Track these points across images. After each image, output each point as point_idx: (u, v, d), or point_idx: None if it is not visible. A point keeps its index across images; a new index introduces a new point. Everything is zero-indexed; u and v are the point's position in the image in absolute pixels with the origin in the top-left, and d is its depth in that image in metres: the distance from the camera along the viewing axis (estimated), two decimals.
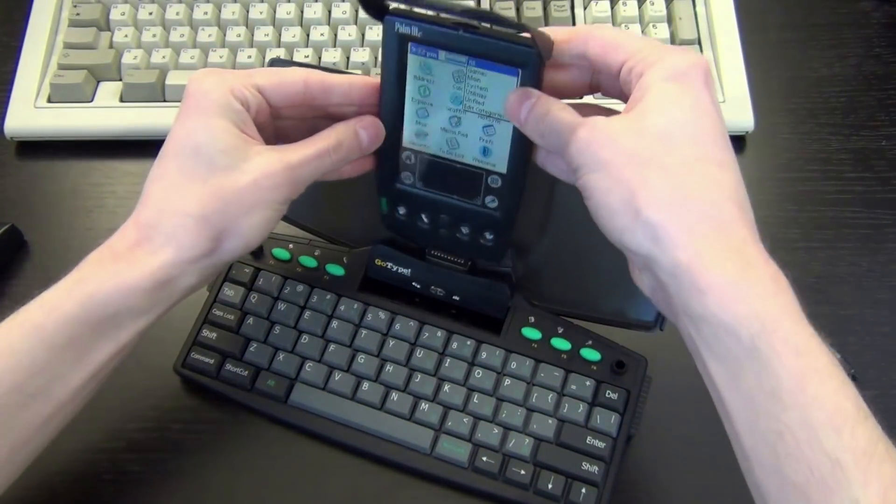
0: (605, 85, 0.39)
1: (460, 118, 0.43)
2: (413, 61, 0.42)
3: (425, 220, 0.47)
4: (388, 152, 0.45)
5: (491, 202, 0.45)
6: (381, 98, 0.43)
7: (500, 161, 0.43)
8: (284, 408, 0.47)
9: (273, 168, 0.39)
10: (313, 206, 0.51)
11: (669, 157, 0.33)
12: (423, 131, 0.44)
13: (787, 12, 0.66)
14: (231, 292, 0.50)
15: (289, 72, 0.42)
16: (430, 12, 0.41)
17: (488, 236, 0.46)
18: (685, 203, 0.33)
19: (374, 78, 0.43)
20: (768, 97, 0.61)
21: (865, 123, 0.60)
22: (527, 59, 0.39)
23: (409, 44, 0.42)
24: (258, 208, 0.40)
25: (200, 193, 0.38)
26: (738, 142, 0.60)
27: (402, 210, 0.47)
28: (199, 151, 0.39)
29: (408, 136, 0.44)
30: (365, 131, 0.42)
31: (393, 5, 0.41)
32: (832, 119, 0.61)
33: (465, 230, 0.46)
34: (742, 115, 0.59)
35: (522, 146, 0.43)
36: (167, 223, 0.38)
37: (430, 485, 0.46)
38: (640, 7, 0.62)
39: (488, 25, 0.41)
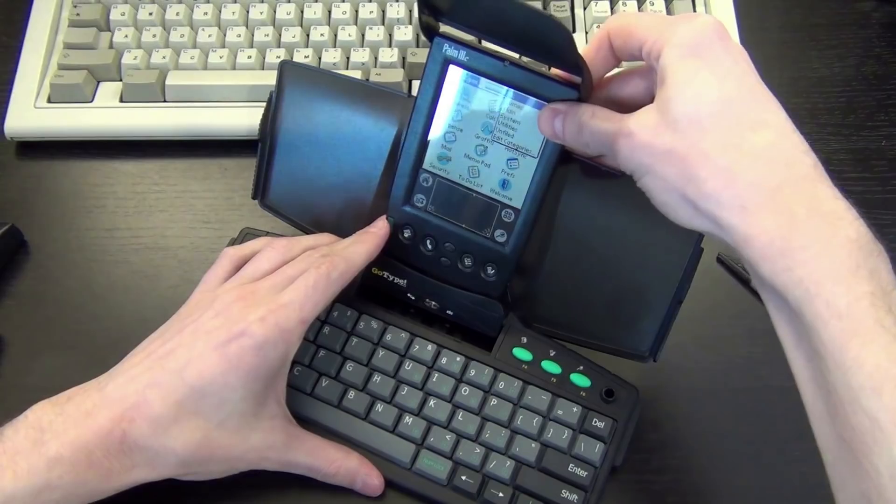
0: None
1: (486, 147, 0.43)
2: (451, 85, 0.43)
3: (429, 246, 0.47)
4: (407, 172, 0.45)
5: (500, 236, 0.45)
6: (412, 116, 0.44)
7: (517, 196, 0.44)
8: None
9: (268, 447, 0.42)
10: (315, 207, 0.51)
11: (705, 141, 0.34)
12: (447, 156, 0.44)
13: (787, 12, 0.66)
14: None
15: (317, 287, 0.42)
16: (488, 45, 0.41)
17: (490, 271, 0.46)
18: (732, 184, 0.34)
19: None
20: None
21: (865, 123, 0.60)
22: (567, 98, 0.40)
23: (450, 66, 0.42)
24: (237, 466, 0.43)
25: (194, 439, 0.40)
26: None
27: (407, 233, 0.47)
28: (220, 405, 0.40)
29: (430, 158, 0.45)
30: (366, 480, 0.45)
31: (444, 28, 0.42)
32: (832, 119, 0.61)
33: (467, 261, 0.46)
34: None
35: (542, 185, 0.43)
36: (151, 447, 0.39)
37: (408, 499, 0.45)
38: (640, 7, 0.62)
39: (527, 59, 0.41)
